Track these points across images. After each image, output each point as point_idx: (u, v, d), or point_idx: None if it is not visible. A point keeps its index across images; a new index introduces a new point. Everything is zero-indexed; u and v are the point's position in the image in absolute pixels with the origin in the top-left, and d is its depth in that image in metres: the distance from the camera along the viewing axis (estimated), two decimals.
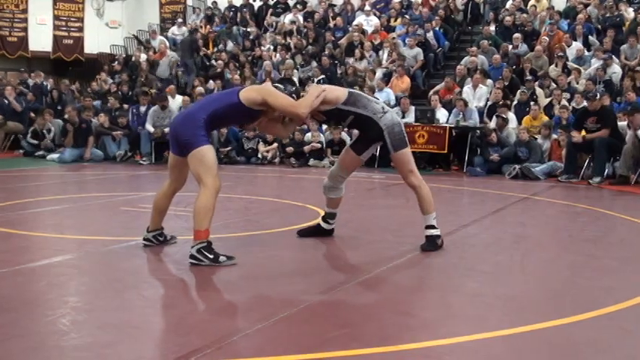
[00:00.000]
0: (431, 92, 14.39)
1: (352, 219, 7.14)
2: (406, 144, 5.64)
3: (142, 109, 14.17)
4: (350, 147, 5.91)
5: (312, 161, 13.11)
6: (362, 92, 5.71)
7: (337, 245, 5.83)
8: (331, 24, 18.75)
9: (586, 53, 14.56)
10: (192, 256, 4.90)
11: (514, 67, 14.59)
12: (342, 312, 3.91)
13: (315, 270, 4.92)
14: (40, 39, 21.58)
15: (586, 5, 16.52)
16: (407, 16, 17.83)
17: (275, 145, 13.55)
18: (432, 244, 5.51)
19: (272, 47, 18.03)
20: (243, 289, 4.38)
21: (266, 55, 17.32)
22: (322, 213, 6.20)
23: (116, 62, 19.16)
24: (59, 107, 15.79)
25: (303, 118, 5.33)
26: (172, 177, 5.40)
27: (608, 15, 15.89)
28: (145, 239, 5.55)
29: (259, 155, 13.58)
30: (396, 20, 18.14)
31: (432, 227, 5.56)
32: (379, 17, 18.22)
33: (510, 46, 15.38)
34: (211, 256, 4.88)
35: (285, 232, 6.26)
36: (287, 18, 19.51)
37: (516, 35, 15.51)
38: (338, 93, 5.45)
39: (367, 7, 18.54)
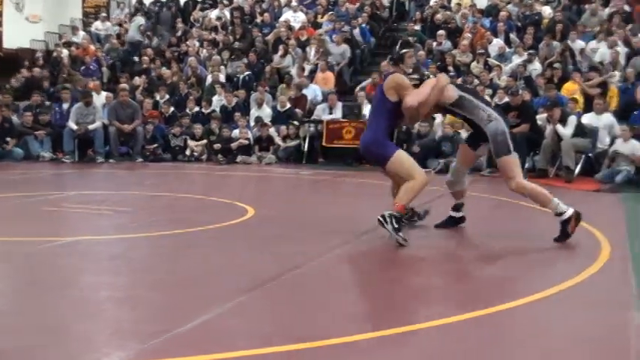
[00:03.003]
0: (357, 88, 14.53)
1: (281, 215, 7.17)
2: (509, 151, 5.73)
3: (65, 106, 13.83)
4: (465, 142, 6.25)
5: (240, 158, 13.06)
6: (473, 98, 5.88)
7: (267, 241, 5.83)
8: (258, 20, 18.68)
9: (507, 50, 14.96)
10: (382, 216, 5.47)
11: (438, 63, 14.86)
12: (273, 307, 3.94)
13: (246, 266, 4.93)
14: None
15: (507, 3, 16.97)
16: (333, 13, 17.93)
17: (204, 141, 13.44)
18: (564, 234, 5.63)
19: (198, 43, 17.85)
20: (172, 287, 4.35)
21: (192, 51, 17.14)
22: (251, 209, 6.21)
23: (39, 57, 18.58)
24: None
25: (407, 107, 5.71)
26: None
27: (527, 13, 16.37)
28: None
29: (187, 152, 13.44)
30: (322, 17, 18.20)
31: (561, 214, 5.64)
32: (306, 13, 18.26)
33: (434, 43, 15.66)
34: (396, 226, 5.43)
35: (214, 230, 6.24)
36: (213, 13, 19.34)
37: (440, 32, 15.79)
38: (450, 93, 5.79)
39: (294, 3, 18.55)
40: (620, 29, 14.67)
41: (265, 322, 3.70)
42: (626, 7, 15.94)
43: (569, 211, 5.60)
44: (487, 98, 12.77)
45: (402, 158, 5.81)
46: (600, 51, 14.13)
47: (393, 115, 5.93)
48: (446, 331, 3.54)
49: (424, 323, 3.59)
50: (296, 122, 13.48)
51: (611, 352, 3.30)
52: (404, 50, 6.12)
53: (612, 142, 11.02)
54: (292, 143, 13.28)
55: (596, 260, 5.08)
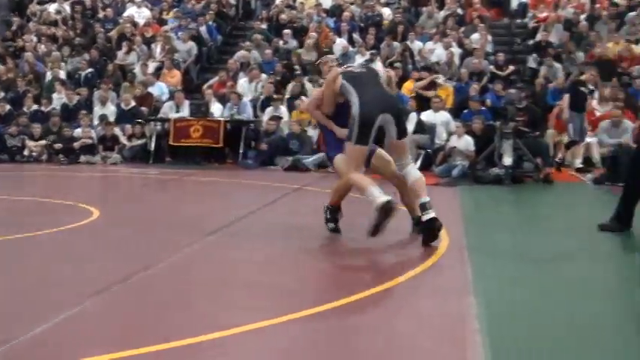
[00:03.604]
0: (205, 86, 14.45)
1: (128, 216, 7.02)
2: (350, 139, 5.52)
3: None
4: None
5: (83, 157, 12.61)
6: (349, 84, 5.63)
7: (114, 243, 5.69)
8: (100, 15, 18.10)
9: (350, 49, 15.39)
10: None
11: (285, 62, 15.06)
12: (122, 311, 3.86)
13: (92, 269, 4.78)
14: None
15: (350, 4, 17.47)
16: (179, 10, 17.70)
17: (43, 141, 12.86)
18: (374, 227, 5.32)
19: (36, 38, 17.02)
20: (11, 294, 4.15)
21: (29, 47, 16.32)
22: (96, 211, 6.05)
23: None
24: None
25: (306, 111, 5.92)
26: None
27: (369, 14, 16.95)
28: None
29: (26, 152, 12.80)
30: (168, 13, 17.93)
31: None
32: (151, 10, 17.92)
33: (281, 42, 15.85)
34: (328, 217, 5.97)
35: (56, 233, 6.00)
36: (52, 7, 18.51)
37: (286, 31, 16.00)
38: (337, 83, 5.67)
39: None
40: (454, 31, 15.53)
41: (113, 326, 3.61)
42: (459, 11, 16.89)
43: (378, 201, 5.22)
44: None
45: (339, 161, 5.82)
46: (436, 52, 14.89)
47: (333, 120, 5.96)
48: (295, 325, 3.62)
49: (273, 319, 3.64)
50: (141, 121, 13.21)
51: (449, 334, 3.51)
52: (319, 61, 6.35)
53: (449, 138, 11.64)
54: (138, 142, 12.98)
55: (436, 251, 5.35)
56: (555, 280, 4.60)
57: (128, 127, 13.08)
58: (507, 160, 9.85)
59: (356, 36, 16.01)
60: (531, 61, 14.82)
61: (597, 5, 16.64)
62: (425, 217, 5.43)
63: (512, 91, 10.83)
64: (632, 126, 10.43)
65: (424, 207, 5.43)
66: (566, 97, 11.51)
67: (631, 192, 6.15)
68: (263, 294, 4.25)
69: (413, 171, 5.66)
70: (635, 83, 12.95)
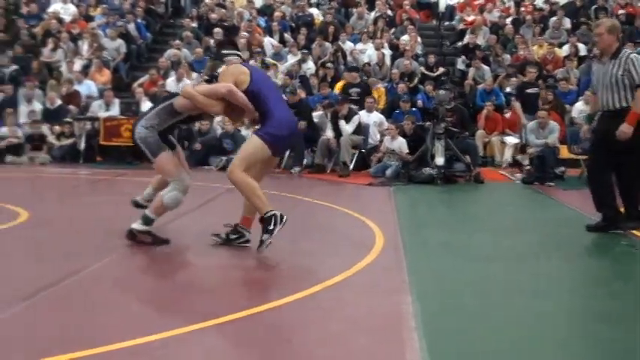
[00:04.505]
0: (135, 84, 14.21)
1: (58, 218, 6.84)
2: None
3: None
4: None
5: (9, 158, 12.23)
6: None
7: (43, 246, 5.54)
8: (24, 10, 17.57)
9: (283, 49, 15.40)
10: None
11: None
12: (53, 316, 3.76)
13: (21, 274, 4.64)
14: None
15: (281, 4, 17.49)
16: (106, 6, 17.37)
17: None
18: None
19: None
20: None
21: None
22: (24, 212, 5.86)
23: None
24: None
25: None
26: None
27: (300, 14, 17.00)
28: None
29: None
30: (95, 9, 17.56)
31: None
32: (77, 6, 17.52)
33: (212, 40, 15.72)
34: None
35: None
36: None
37: (216, 30, 15.87)
38: None
39: None
40: (385, 32, 15.71)
41: (44, 331, 3.51)
42: (389, 12, 17.10)
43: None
44: None
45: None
46: (368, 52, 15.03)
47: None
48: (231, 327, 3.59)
49: (211, 321, 3.61)
50: (70, 119, 12.90)
51: (386, 332, 3.54)
52: None
53: (382, 139, 11.74)
54: (67, 142, 12.67)
55: (371, 250, 5.40)
56: (490, 278, 4.70)
57: (57, 127, 12.75)
58: (440, 160, 10.00)
59: (287, 36, 16.01)
60: (460, 63, 15.13)
61: (522, 9, 17.12)
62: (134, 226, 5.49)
63: (442, 92, 10.98)
64: (557, 127, 10.74)
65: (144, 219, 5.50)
66: (518, 104, 11.53)
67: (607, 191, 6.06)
68: (198, 297, 4.20)
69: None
70: (560, 85, 13.36)
